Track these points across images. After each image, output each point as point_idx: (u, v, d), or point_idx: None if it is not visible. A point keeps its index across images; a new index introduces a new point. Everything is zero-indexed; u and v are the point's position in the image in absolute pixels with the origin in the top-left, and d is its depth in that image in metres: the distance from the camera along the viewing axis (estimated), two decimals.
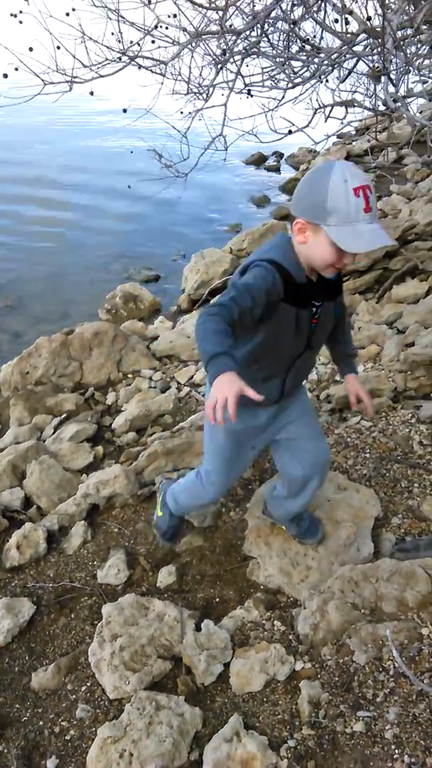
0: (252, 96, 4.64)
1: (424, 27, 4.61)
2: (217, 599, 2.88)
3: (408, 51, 4.93)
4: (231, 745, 2.21)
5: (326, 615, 2.59)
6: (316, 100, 5.42)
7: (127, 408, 4.27)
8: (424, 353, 4.23)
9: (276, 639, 2.61)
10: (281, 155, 10.88)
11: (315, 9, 4.94)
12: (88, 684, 2.56)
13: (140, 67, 4.55)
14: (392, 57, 4.12)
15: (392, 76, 4.18)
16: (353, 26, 5.04)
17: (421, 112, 9.18)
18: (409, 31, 4.80)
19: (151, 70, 4.61)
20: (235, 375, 1.71)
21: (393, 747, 2.16)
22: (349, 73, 5.34)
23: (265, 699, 2.41)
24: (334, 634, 2.56)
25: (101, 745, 2.23)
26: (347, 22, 4.58)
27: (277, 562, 2.88)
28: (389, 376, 4.23)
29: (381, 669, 2.42)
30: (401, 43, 5.45)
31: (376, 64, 4.68)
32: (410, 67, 4.25)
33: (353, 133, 10.43)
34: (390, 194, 7.89)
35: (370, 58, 4.70)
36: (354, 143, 10.12)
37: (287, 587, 2.82)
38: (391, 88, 5.42)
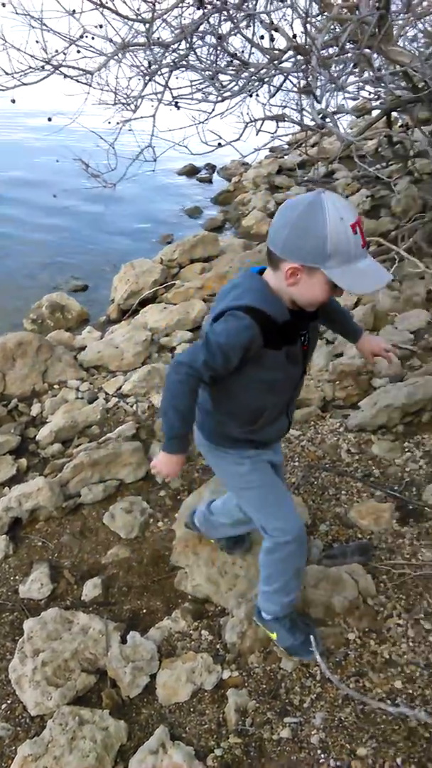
0: (180, 108, 4.64)
1: (349, 46, 4.73)
2: (144, 610, 2.83)
3: (334, 69, 5.04)
4: (157, 757, 2.16)
5: (253, 623, 2.57)
6: (247, 114, 5.49)
7: (52, 419, 4.18)
8: (352, 363, 4.30)
9: (203, 648, 2.58)
10: (213, 167, 10.95)
11: (243, 25, 5.01)
12: (9, 701, 2.47)
13: (65, 76, 4.51)
14: (318, 74, 4.20)
15: (317, 93, 4.25)
16: (282, 43, 5.13)
17: (352, 128, 9.40)
18: (335, 50, 4.91)
19: (76, 80, 4.57)
20: (181, 460, 2.07)
21: (319, 752, 2.16)
22: (278, 89, 5.43)
23: (192, 709, 2.37)
24: (261, 641, 2.54)
25: (21, 763, 2.15)
26: (272, 39, 4.64)
27: (205, 571, 2.85)
28: (318, 386, 4.28)
29: (308, 675, 2.42)
30: (327, 61, 5.57)
31: (302, 81, 4.77)
32: (334, 84, 4.32)
33: (285, 146, 10.60)
34: None
35: (296, 75, 4.79)
36: (286, 157, 10.28)
37: (215, 596, 2.80)
38: (320, 104, 5.54)
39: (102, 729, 2.26)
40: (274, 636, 2.47)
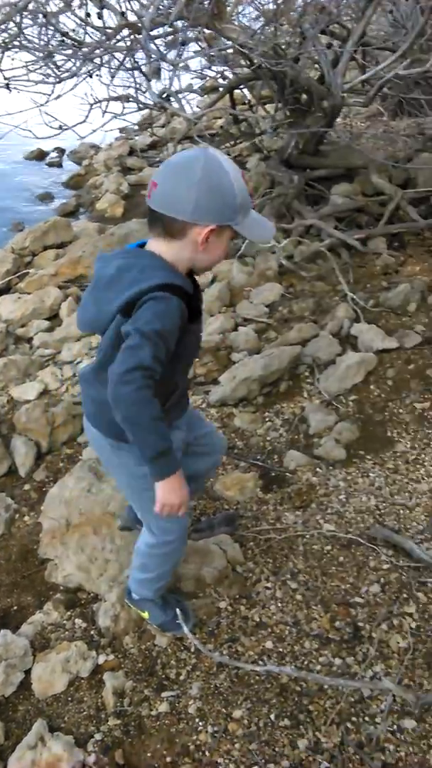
0: (12, 90, 4.49)
1: (181, 24, 4.73)
2: (15, 607, 2.76)
3: (169, 48, 5.04)
4: (35, 752, 2.13)
5: (126, 605, 2.58)
6: (91, 95, 5.39)
7: None
8: (210, 340, 4.36)
9: (78, 637, 2.56)
10: (63, 151, 10.68)
11: (77, 3, 4.91)
12: None
13: None
14: (150, 53, 4.18)
15: (146, 71, 4.24)
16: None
17: (198, 107, 9.43)
18: (167, 29, 4.91)
19: None
20: (181, 476, 1.83)
21: (197, 720, 2.21)
22: (118, 69, 5.37)
23: (69, 698, 2.35)
24: (136, 622, 2.56)
25: None
26: (100, 17, 4.56)
27: (75, 560, 2.82)
28: None
29: (182, 648, 2.47)
30: (165, 39, 5.56)
31: (138, 61, 4.74)
32: (163, 63, 4.32)
33: (136, 128, 10.49)
34: None
35: (131, 53, 4.74)
36: (137, 138, 10.18)
37: (87, 583, 2.78)
38: (160, 84, 5.53)
39: None
40: (146, 615, 2.48)
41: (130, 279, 1.76)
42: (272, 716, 2.19)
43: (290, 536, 2.93)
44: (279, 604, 2.60)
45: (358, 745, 2.09)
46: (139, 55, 5.27)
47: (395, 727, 2.15)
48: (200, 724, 2.19)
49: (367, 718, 2.18)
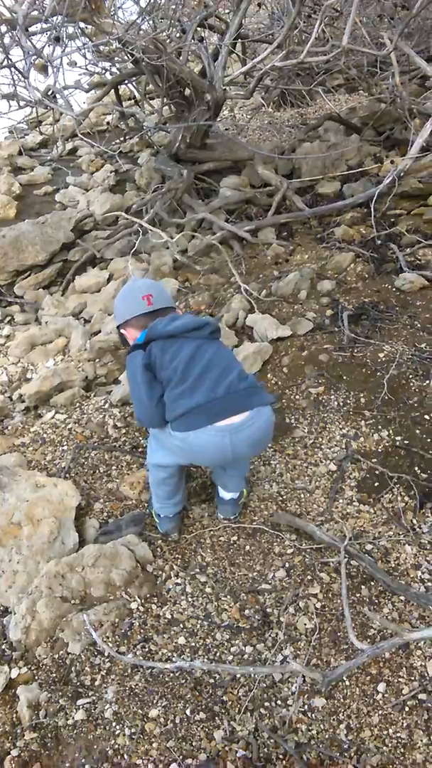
0: None
1: (61, 19, 4.64)
2: None
3: (49, 45, 4.95)
4: None
5: (37, 615, 2.56)
6: None
7: None
8: (108, 339, 4.35)
9: None
10: None
11: None
12: None
13: None
14: (26, 50, 4.10)
15: (21, 68, 4.15)
16: None
17: (85, 104, 9.29)
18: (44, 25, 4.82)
19: None
20: None
21: (114, 724, 2.23)
22: (1, 66, 5.23)
23: None
24: (47, 631, 2.54)
25: None
26: None
27: None
28: (79, 367, 4.27)
29: (96, 653, 2.47)
30: (47, 35, 5.45)
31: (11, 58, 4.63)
32: (41, 58, 4.25)
33: (25, 127, 10.22)
34: (67, 186, 7.91)
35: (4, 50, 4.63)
36: (27, 137, 9.93)
37: None
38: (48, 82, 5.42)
39: None
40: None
41: None
42: (188, 711, 2.23)
43: (197, 530, 2.97)
44: (190, 599, 2.65)
45: (272, 729, 2.16)
46: (18, 51, 5.17)
47: (306, 707, 2.23)
48: (117, 727, 2.21)
49: (279, 702, 2.25)
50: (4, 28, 5.18)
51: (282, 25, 6.10)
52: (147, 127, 6.50)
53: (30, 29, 5.06)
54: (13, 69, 4.59)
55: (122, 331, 2.77)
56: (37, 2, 4.83)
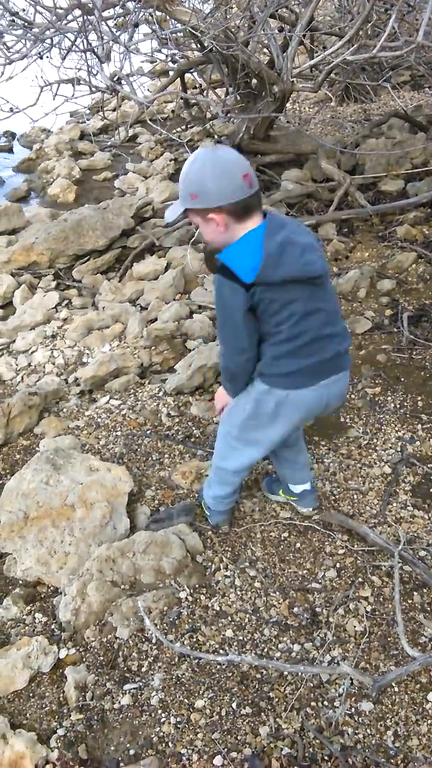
0: None
1: (133, 4, 4.66)
2: None
3: (121, 29, 4.96)
4: None
5: (87, 597, 2.58)
6: (42, 77, 5.28)
7: None
8: (165, 327, 4.35)
9: (38, 631, 2.56)
10: (13, 134, 10.44)
11: None
12: None
13: None
14: (100, 34, 4.11)
15: (100, 53, 4.17)
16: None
17: (149, 90, 9.32)
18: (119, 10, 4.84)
19: None
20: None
21: (159, 711, 2.23)
22: (69, 51, 5.27)
23: (31, 694, 2.35)
24: (96, 614, 2.56)
25: None
26: None
27: (34, 553, 2.81)
28: (134, 353, 4.29)
29: (144, 639, 2.48)
30: (115, 21, 5.47)
31: (91, 42, 4.66)
32: (117, 44, 4.26)
33: (87, 111, 10.31)
34: (126, 173, 7.96)
35: (83, 35, 4.66)
36: (88, 122, 10.02)
37: (46, 577, 2.77)
38: (111, 66, 5.45)
39: None
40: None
41: None
42: (234, 705, 2.22)
43: (248, 524, 2.97)
44: (238, 593, 2.64)
45: (318, 730, 2.14)
46: (91, 37, 5.19)
47: (353, 710, 2.21)
48: (163, 715, 2.22)
49: (326, 703, 2.24)
50: (76, 12, 5.22)
51: (352, 18, 6.01)
52: (219, 115, 6.46)
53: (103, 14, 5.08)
54: (82, 53, 4.60)
55: (208, 216, 2.05)
56: None
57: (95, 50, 4.23)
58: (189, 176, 2.03)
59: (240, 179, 1.98)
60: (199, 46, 6.23)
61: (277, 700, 2.24)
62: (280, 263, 2.02)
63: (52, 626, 2.58)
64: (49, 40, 5.03)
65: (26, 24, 4.87)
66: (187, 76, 8.45)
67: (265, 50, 7.00)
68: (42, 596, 2.74)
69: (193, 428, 3.61)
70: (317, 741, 2.12)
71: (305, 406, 2.33)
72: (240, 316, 2.10)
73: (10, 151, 10.09)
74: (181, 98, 8.08)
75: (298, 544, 2.85)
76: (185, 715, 2.21)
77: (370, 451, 3.34)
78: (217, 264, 2.09)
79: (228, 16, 5.61)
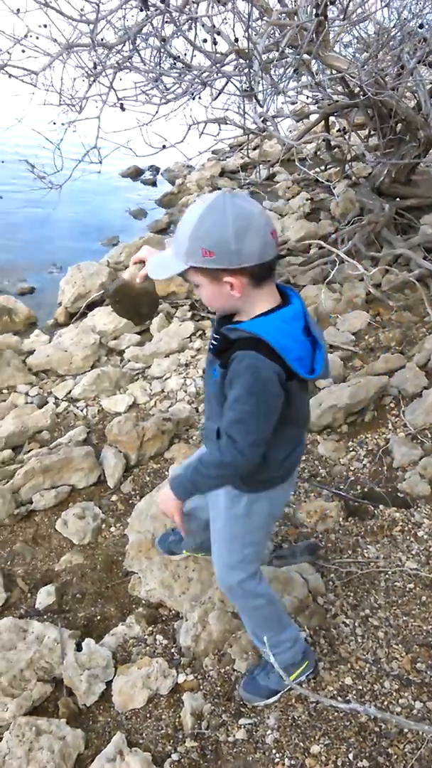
0: (125, 110, 4.65)
1: (289, 51, 4.80)
2: (99, 617, 2.84)
3: (274, 73, 5.12)
4: (114, 765, 2.19)
5: (207, 626, 2.62)
6: (190, 117, 5.53)
7: (2, 425, 4.13)
8: None
9: (158, 653, 2.61)
10: (157, 169, 10.95)
11: (186, 28, 5.05)
12: None
13: (10, 76, 4.48)
14: (259, 78, 4.27)
15: (259, 97, 4.31)
16: (224, 47, 5.19)
17: (291, 132, 9.52)
18: (275, 54, 4.99)
19: (21, 80, 4.54)
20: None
21: (274, 751, 2.22)
22: (220, 92, 5.48)
23: (148, 714, 2.40)
24: (216, 644, 2.59)
25: None
26: (215, 42, 4.69)
27: (159, 575, 2.89)
28: None
29: None
30: (268, 65, 5.65)
31: (244, 85, 4.83)
32: (274, 88, 4.39)
33: (227, 149, 10.66)
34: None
35: (238, 78, 4.84)
36: (228, 160, 10.34)
37: (169, 600, 2.83)
38: (260, 108, 5.62)
39: (59, 738, 2.27)
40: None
41: None
42: (350, 755, 2.18)
43: (372, 571, 2.92)
44: (360, 640, 2.60)
45: None
46: (238, 79, 5.40)
47: None
48: (277, 755, 2.20)
49: None
50: (231, 57, 5.44)
51: None
52: (358, 156, 6.49)
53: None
54: (242, 97, 4.78)
55: (223, 278, 1.67)
56: (270, 37, 5.01)
57: (255, 95, 4.38)
58: (203, 228, 1.63)
59: (270, 236, 1.65)
60: (346, 90, 6.31)
61: (396, 757, 2.18)
62: (316, 359, 1.78)
63: (172, 650, 2.63)
64: (207, 82, 5.26)
65: (185, 66, 5.12)
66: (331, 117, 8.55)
67: (409, 94, 7.00)
68: (163, 619, 2.80)
69: (320, 467, 3.60)
70: None
71: (280, 507, 2.34)
72: (279, 403, 1.75)
73: (154, 184, 10.56)
74: (323, 140, 8.17)
75: (423, 597, 2.78)
76: (300, 759, 2.19)
77: None
78: (245, 335, 1.70)
79: (379, 64, 5.66)
